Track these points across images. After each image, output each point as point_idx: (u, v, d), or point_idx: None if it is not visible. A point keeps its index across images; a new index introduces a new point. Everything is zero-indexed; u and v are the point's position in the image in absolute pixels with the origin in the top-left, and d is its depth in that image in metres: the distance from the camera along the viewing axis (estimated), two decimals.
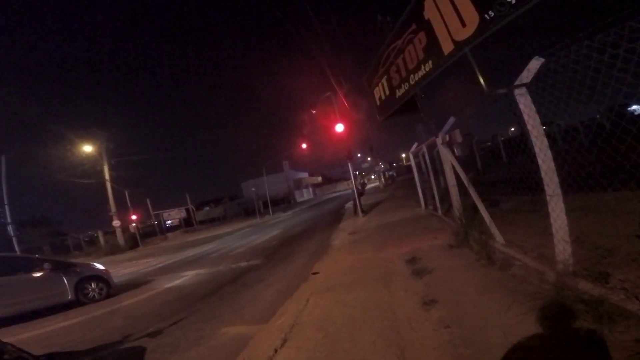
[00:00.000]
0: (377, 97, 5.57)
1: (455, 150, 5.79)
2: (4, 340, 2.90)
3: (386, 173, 51.34)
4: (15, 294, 6.12)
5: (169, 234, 29.89)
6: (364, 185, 40.04)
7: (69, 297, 6.71)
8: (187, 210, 41.51)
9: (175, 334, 4.14)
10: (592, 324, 1.96)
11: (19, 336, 4.79)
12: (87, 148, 22.08)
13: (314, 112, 13.88)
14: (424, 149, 7.99)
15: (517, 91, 2.52)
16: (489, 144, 16.10)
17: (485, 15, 2.67)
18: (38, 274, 6.50)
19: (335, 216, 15.91)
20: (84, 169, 22.31)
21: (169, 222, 39.50)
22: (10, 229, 13.78)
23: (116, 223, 22.90)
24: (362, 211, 12.40)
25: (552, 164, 2.52)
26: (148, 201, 33.68)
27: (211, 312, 4.87)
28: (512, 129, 8.69)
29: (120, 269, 11.69)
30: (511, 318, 2.45)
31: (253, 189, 32.41)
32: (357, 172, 57.39)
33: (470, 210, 5.38)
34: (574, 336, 1.96)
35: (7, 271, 6.28)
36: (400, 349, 2.51)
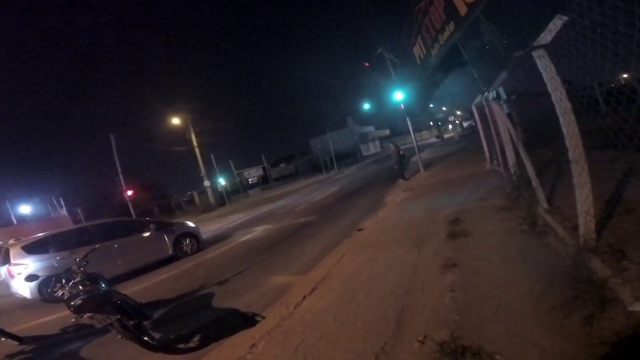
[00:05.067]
0: (417, 55, 5.18)
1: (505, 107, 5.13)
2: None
3: (463, 123, 46.30)
4: (131, 251, 7.33)
5: (250, 192, 33.51)
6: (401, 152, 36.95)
7: (169, 253, 7.85)
8: (264, 168, 45.45)
9: (238, 282, 5.11)
10: (588, 307, 1.90)
11: (129, 289, 6.04)
12: (176, 120, 25.43)
13: (366, 65, 13.21)
14: (484, 102, 7.15)
15: (535, 53, 2.21)
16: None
17: None
18: (147, 234, 7.71)
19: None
20: (178, 138, 26.01)
21: (251, 180, 44.12)
22: (125, 195, 17.36)
23: (206, 183, 26.65)
24: (423, 168, 12.01)
25: (575, 128, 2.24)
26: (231, 162, 37.91)
27: (268, 263, 5.78)
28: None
29: (209, 226, 13.87)
30: (516, 291, 2.46)
31: (319, 146, 33.34)
32: (432, 123, 53.02)
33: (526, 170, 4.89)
34: (565, 318, 1.94)
35: (125, 233, 7.51)
36: (402, 307, 2.79)
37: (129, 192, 17.88)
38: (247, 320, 3.49)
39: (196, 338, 3.42)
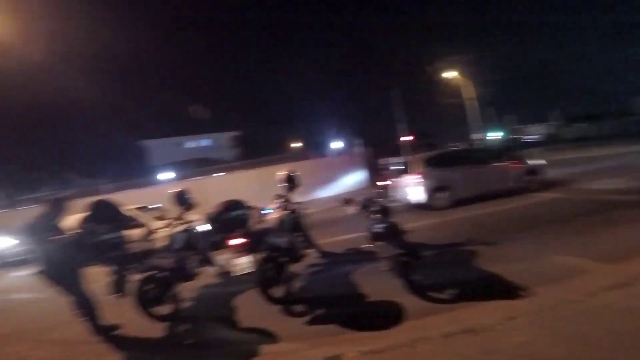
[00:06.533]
0: None
1: None
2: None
3: None
4: (489, 178, 8.20)
5: (529, 150, 28.03)
6: None
7: (516, 185, 8.21)
8: (552, 126, 35.92)
9: (510, 247, 4.61)
10: None
11: (416, 224, 6.60)
12: (452, 74, 24.70)
13: None
14: None
15: None
16: None
17: None
18: (504, 164, 8.46)
19: None
20: (451, 91, 25.65)
21: (529, 137, 36.74)
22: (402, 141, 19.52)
23: (474, 136, 25.21)
24: None
25: None
26: (510, 117, 33.10)
27: (553, 238, 4.88)
28: None
29: None
30: None
31: None
32: None
33: None
34: None
35: (488, 160, 8.57)
36: None
37: (408, 138, 20.53)
38: (508, 291, 3.15)
39: (449, 291, 3.37)
